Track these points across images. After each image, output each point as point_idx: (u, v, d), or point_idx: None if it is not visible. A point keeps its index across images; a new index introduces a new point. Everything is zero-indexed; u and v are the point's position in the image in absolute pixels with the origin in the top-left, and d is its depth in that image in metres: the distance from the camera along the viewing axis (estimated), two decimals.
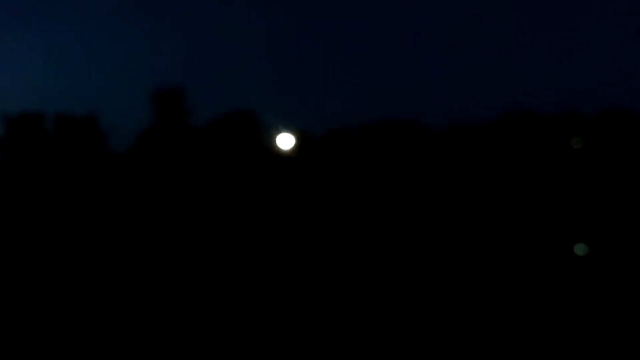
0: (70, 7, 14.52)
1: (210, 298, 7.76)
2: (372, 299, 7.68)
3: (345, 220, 10.44)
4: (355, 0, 13.45)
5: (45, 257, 9.42)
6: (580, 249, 9.50)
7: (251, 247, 9.72)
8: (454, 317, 7.10)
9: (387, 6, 13.35)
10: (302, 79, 13.00)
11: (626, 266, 8.84)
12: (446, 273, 8.79)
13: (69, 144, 12.28)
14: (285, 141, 11.18)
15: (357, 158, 11.46)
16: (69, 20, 14.08)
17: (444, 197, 11.02)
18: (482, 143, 11.66)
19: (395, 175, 11.26)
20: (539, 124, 11.79)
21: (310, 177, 11.22)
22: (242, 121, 11.89)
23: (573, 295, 7.83)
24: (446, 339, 6.51)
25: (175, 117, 12.26)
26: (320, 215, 10.57)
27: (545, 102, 11.90)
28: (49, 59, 14.16)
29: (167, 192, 11.42)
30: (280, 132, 11.22)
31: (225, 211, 10.83)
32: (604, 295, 7.76)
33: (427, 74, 12.97)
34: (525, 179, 11.21)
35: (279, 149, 11.24)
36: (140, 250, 9.75)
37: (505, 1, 13.37)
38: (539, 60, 13.01)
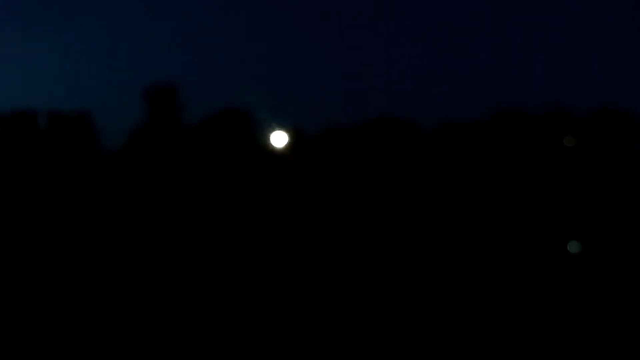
0: (63, 5, 14.46)
1: (205, 297, 7.75)
2: (365, 297, 7.69)
3: (338, 218, 10.45)
4: None
5: (39, 255, 9.40)
6: (573, 247, 9.54)
7: (245, 245, 9.72)
8: (448, 315, 7.11)
9: (380, 5, 13.35)
10: (296, 77, 12.98)
11: (619, 264, 8.88)
12: (440, 271, 8.81)
13: (62, 142, 12.24)
14: (279, 139, 11.18)
15: (351, 156, 11.47)
16: (61, 18, 14.03)
17: (436, 195, 11.04)
18: (473, 142, 11.68)
19: (388, 174, 11.28)
20: (531, 123, 11.81)
21: (303, 175, 11.22)
22: (235, 119, 11.88)
23: (566, 292, 7.86)
24: (441, 337, 6.52)
25: (168, 114, 12.24)
26: (313, 213, 10.59)
27: (536, 100, 11.89)
28: (41, 57, 14.09)
29: (161, 190, 11.40)
30: (273, 130, 11.22)
31: (218, 209, 10.83)
32: (597, 293, 7.79)
33: (419, 73, 12.97)
34: (517, 178, 11.24)
35: (272, 147, 11.23)
36: (134, 248, 9.74)
37: (495, 0, 13.38)
38: (530, 59, 13.02)
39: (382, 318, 6.96)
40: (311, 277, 8.44)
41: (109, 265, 8.99)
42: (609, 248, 9.41)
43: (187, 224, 10.48)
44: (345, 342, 6.30)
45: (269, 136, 11.21)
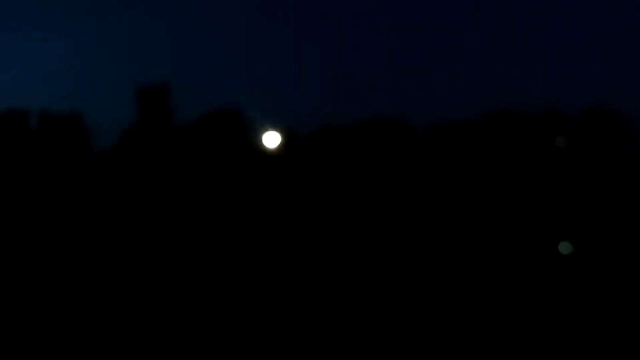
0: (53, 4, 14.43)
1: (199, 295, 7.74)
2: (359, 296, 7.69)
3: (331, 219, 10.45)
4: None
5: (28, 256, 9.36)
6: (564, 248, 9.56)
7: (238, 246, 9.70)
8: (440, 316, 7.12)
9: (372, 5, 13.37)
10: (288, 78, 12.99)
11: (610, 264, 8.90)
12: (433, 269, 8.81)
13: (53, 142, 12.21)
14: (271, 139, 11.17)
15: (344, 156, 11.47)
16: (52, 17, 14.00)
17: (429, 195, 11.05)
18: (465, 142, 11.70)
19: (380, 174, 11.28)
20: (522, 124, 11.85)
21: (296, 175, 11.22)
22: (227, 119, 11.87)
23: (558, 293, 7.88)
24: (434, 337, 6.53)
25: (159, 115, 12.22)
26: (306, 213, 10.58)
27: (528, 101, 11.94)
28: (31, 56, 14.06)
29: (152, 190, 11.38)
30: (266, 130, 11.21)
31: (210, 210, 10.81)
32: (588, 294, 7.81)
33: (412, 74, 13.00)
34: (509, 178, 11.26)
35: (264, 147, 11.23)
36: (125, 248, 9.71)
37: (487, 2, 13.43)
38: (523, 61, 13.07)
39: (372, 315, 6.97)
40: (304, 276, 8.43)
41: (101, 264, 8.96)
42: (601, 248, 9.43)
43: (179, 223, 10.46)
44: (338, 340, 6.32)
45: (262, 136, 11.21)
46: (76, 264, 9.07)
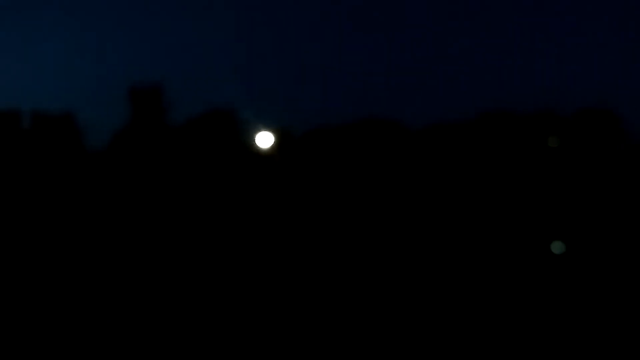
0: (46, 3, 14.38)
1: (191, 297, 7.72)
2: (352, 297, 7.68)
3: (326, 219, 10.44)
4: None
5: (21, 256, 9.34)
6: (557, 247, 9.57)
7: (232, 246, 9.69)
8: (432, 315, 7.11)
9: (366, 4, 13.36)
10: (282, 77, 12.97)
11: (603, 264, 8.92)
12: (426, 270, 8.81)
13: (46, 142, 12.18)
14: (265, 139, 11.15)
15: (338, 156, 11.47)
16: (44, 17, 13.95)
17: (423, 195, 11.05)
18: (459, 142, 11.71)
19: (374, 174, 11.28)
20: (516, 123, 11.86)
21: (290, 175, 11.21)
22: (220, 119, 11.85)
23: (550, 293, 7.88)
24: (426, 337, 6.52)
25: (152, 115, 12.19)
26: (300, 213, 10.57)
27: (522, 101, 11.94)
28: (24, 55, 14.01)
29: (145, 190, 11.36)
30: (259, 130, 11.19)
31: (204, 210, 10.79)
32: (581, 293, 7.82)
33: (406, 73, 12.99)
34: (502, 178, 11.27)
35: (258, 147, 11.21)
36: (119, 248, 9.69)
37: (481, 2, 13.43)
38: (516, 60, 13.08)
39: (364, 317, 6.97)
40: (299, 276, 8.43)
41: (96, 264, 8.94)
42: (594, 248, 9.45)
43: (173, 223, 10.44)
44: (333, 342, 6.31)
45: (255, 136, 11.19)
46: (70, 264, 9.05)
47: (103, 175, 11.76)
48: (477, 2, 13.41)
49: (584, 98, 11.87)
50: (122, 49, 13.62)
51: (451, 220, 10.47)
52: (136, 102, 12.21)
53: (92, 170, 11.85)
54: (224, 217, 10.58)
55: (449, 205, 10.83)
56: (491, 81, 12.97)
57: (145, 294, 7.89)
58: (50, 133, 12.22)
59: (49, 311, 7.25)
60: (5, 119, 12.22)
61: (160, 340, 6.41)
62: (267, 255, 9.29)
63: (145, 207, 10.97)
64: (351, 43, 13.47)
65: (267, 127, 11.20)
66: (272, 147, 11.17)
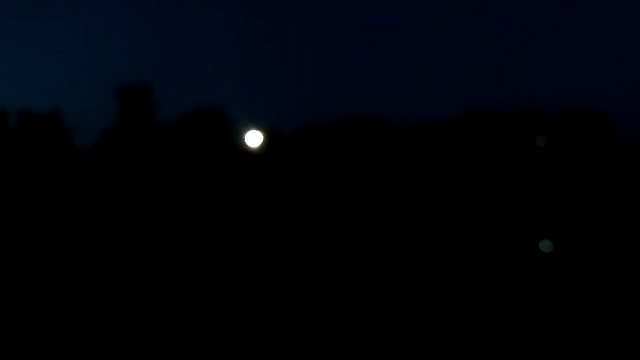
0: (33, 4, 14.32)
1: (178, 296, 7.71)
2: (340, 296, 7.69)
3: (315, 218, 10.45)
4: None
5: (8, 257, 9.30)
6: (545, 246, 9.61)
7: (220, 245, 9.68)
8: (422, 314, 7.14)
9: (354, 6, 13.39)
10: (271, 77, 12.98)
11: (591, 263, 8.97)
12: (414, 270, 8.84)
13: (33, 141, 12.12)
14: (254, 138, 11.15)
15: (326, 156, 11.48)
16: (31, 15, 13.89)
17: (410, 194, 11.08)
18: (447, 142, 11.74)
19: (362, 173, 11.30)
20: (503, 123, 11.90)
21: (279, 174, 11.21)
22: (209, 118, 11.83)
23: (539, 291, 7.92)
24: (417, 335, 6.54)
25: (140, 114, 12.16)
26: (289, 212, 10.57)
27: (509, 100, 11.99)
28: (11, 54, 13.94)
29: (133, 190, 11.33)
30: (248, 129, 11.18)
31: (193, 209, 10.77)
32: (569, 292, 7.86)
33: (394, 73, 13.03)
34: (490, 178, 11.31)
35: (247, 146, 11.20)
36: (107, 248, 9.66)
37: (468, 3, 13.49)
38: (503, 60, 13.13)
39: (350, 313, 6.98)
40: (287, 275, 8.43)
41: (84, 264, 8.92)
42: (582, 247, 9.50)
43: (162, 223, 10.42)
44: (320, 340, 6.32)
45: (244, 135, 11.18)
46: (58, 264, 9.02)
47: (91, 175, 11.72)
48: (464, 2, 13.47)
49: (571, 98, 11.94)
50: (109, 48, 13.58)
51: (440, 219, 10.50)
52: (124, 101, 12.18)
53: (81, 169, 11.81)
54: (213, 216, 10.57)
55: (437, 204, 10.86)
56: (478, 81, 13.03)
57: (135, 292, 7.88)
58: (37, 133, 12.17)
59: (36, 310, 7.23)
60: None
61: (149, 339, 6.40)
62: (258, 254, 9.29)
63: (134, 207, 10.94)
64: (340, 43, 13.49)
65: (256, 126, 11.19)
66: (261, 146, 11.17)
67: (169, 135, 11.87)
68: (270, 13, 13.51)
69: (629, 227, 9.95)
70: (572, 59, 12.96)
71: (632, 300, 7.52)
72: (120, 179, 11.56)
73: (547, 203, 10.70)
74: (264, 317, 6.97)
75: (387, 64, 13.35)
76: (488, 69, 13.21)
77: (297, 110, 12.29)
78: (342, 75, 13.07)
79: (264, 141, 11.18)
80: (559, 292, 7.91)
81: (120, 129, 12.17)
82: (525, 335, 6.56)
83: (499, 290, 8.03)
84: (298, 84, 12.91)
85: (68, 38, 14.05)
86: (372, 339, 6.42)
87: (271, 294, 7.75)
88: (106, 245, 9.77)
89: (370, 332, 6.58)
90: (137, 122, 12.12)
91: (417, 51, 13.44)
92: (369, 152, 11.58)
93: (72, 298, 7.67)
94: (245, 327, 6.68)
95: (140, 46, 13.80)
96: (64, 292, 7.89)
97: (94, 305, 7.36)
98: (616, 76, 12.34)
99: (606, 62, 12.67)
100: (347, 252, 9.43)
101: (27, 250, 9.64)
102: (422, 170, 11.44)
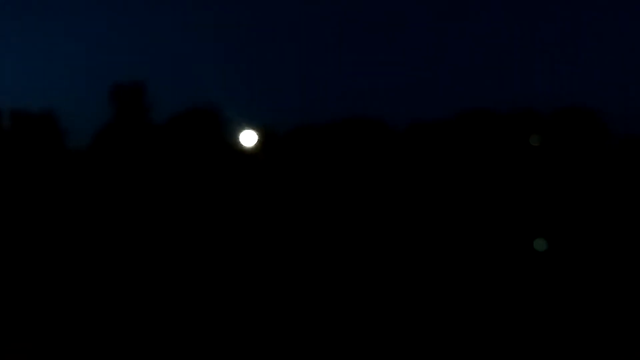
0: (27, 4, 14.31)
1: (169, 296, 7.71)
2: (333, 294, 7.70)
3: (309, 217, 10.45)
4: None
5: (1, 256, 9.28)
6: (539, 245, 9.63)
7: (215, 244, 9.67)
8: (417, 313, 7.14)
9: (350, 6, 13.41)
10: (265, 76, 12.98)
11: (584, 262, 8.99)
12: (408, 266, 8.85)
13: (26, 141, 12.09)
14: (248, 138, 11.14)
15: (321, 155, 11.48)
16: (25, 15, 13.88)
17: (406, 192, 11.08)
18: (442, 141, 11.76)
19: (358, 172, 11.30)
20: (498, 122, 11.92)
21: (274, 174, 11.20)
22: (203, 118, 11.82)
23: (533, 289, 7.94)
24: (411, 333, 6.55)
25: (134, 113, 12.15)
26: (284, 211, 10.57)
27: (504, 100, 12.02)
28: (4, 55, 13.92)
29: (127, 189, 11.31)
30: (243, 129, 11.18)
31: (186, 209, 10.76)
32: (562, 290, 7.88)
33: (389, 73, 13.05)
34: (485, 176, 11.33)
35: (241, 146, 11.20)
36: (101, 246, 9.65)
37: (464, 2, 13.51)
38: (498, 60, 13.17)
39: (344, 310, 6.99)
40: (281, 273, 8.43)
41: (77, 263, 8.90)
42: (576, 245, 9.52)
43: (155, 222, 10.41)
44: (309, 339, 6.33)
45: (239, 135, 11.18)
46: (52, 263, 9.01)
47: (85, 173, 11.70)
48: (460, 4, 13.50)
49: (565, 97, 11.97)
50: (104, 48, 13.57)
51: (434, 217, 10.51)
52: (118, 101, 12.17)
53: (74, 169, 11.79)
54: (208, 215, 10.56)
55: (432, 202, 10.87)
56: (473, 81, 13.05)
57: (130, 291, 7.86)
58: (31, 132, 12.14)
59: (33, 310, 7.22)
60: None
61: (141, 338, 6.39)
62: (252, 252, 9.28)
63: (128, 206, 10.92)
64: (335, 43, 13.51)
65: (251, 126, 11.19)
66: (256, 145, 11.16)
67: (163, 135, 11.86)
68: (265, 13, 13.52)
69: (623, 224, 9.97)
70: (566, 58, 13.00)
71: (626, 297, 7.54)
72: (115, 178, 11.55)
73: (542, 202, 10.72)
74: (256, 315, 6.97)
75: (382, 65, 13.37)
76: (482, 69, 13.24)
77: (292, 110, 12.30)
78: (337, 75, 13.09)
79: (258, 141, 11.18)
80: (553, 290, 7.93)
81: (114, 128, 12.15)
82: (518, 332, 6.57)
83: (493, 287, 8.04)
84: (293, 84, 12.92)
85: (62, 38, 14.03)
86: (363, 335, 6.42)
87: (265, 292, 7.75)
88: (101, 244, 9.76)
89: (362, 328, 6.58)
90: (131, 121, 12.11)
91: (412, 52, 13.46)
92: (364, 152, 11.58)
93: (66, 297, 7.66)
94: (236, 325, 6.68)
95: (134, 46, 13.79)
96: (59, 291, 7.88)
97: (87, 304, 7.34)
98: (609, 75, 12.38)
99: (599, 61, 12.71)
100: (342, 250, 9.43)
101: (21, 249, 9.62)
102: (418, 169, 11.45)
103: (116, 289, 8.00)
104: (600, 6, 12.69)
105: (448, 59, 13.10)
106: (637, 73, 12.09)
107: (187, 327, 6.69)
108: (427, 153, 11.58)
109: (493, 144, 11.67)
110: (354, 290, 7.89)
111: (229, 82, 11.90)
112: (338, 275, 8.47)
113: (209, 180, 11.26)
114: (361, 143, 11.61)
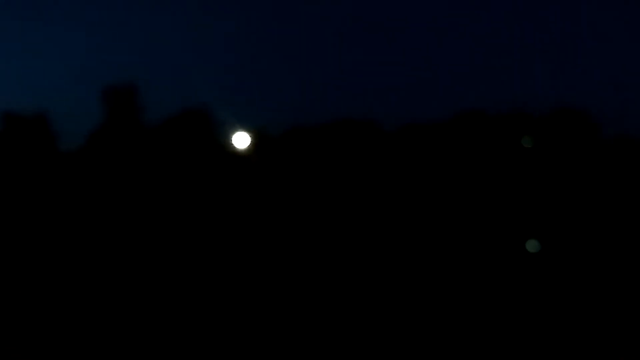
0: (20, 5, 14.26)
1: (163, 300, 7.70)
2: (328, 297, 7.70)
3: (302, 219, 10.45)
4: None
5: None
6: (531, 246, 9.65)
7: (208, 248, 9.67)
8: (412, 314, 7.14)
9: (342, 5, 13.40)
10: (258, 77, 12.96)
11: (578, 263, 9.01)
12: (402, 271, 8.85)
13: (18, 143, 12.05)
14: (241, 140, 11.13)
15: (314, 157, 11.48)
16: (17, 17, 13.82)
17: (398, 195, 11.10)
18: (435, 142, 11.77)
19: (351, 175, 11.31)
20: (490, 124, 11.93)
21: (266, 176, 11.20)
22: (196, 119, 11.80)
23: (526, 291, 7.95)
24: (406, 334, 6.55)
25: (127, 115, 12.11)
26: (277, 214, 10.57)
27: (496, 100, 12.03)
28: None
29: (119, 192, 11.29)
30: (235, 130, 11.17)
31: (180, 211, 10.75)
32: (555, 292, 7.90)
33: (382, 74, 13.05)
34: (477, 178, 11.34)
35: (234, 148, 11.18)
36: (93, 250, 9.63)
37: (457, 3, 13.52)
38: (491, 61, 13.18)
39: (337, 312, 6.98)
40: (274, 277, 8.43)
41: (69, 266, 8.89)
42: (568, 246, 9.54)
43: (148, 225, 10.39)
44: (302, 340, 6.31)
45: (231, 137, 11.16)
46: (44, 264, 8.99)
47: (77, 176, 11.67)
48: (452, 4, 13.51)
49: (557, 98, 11.98)
50: (96, 49, 13.53)
51: (428, 219, 10.52)
52: (110, 103, 12.13)
53: (66, 171, 11.76)
54: (201, 218, 10.55)
55: (425, 204, 10.88)
56: (466, 82, 13.06)
57: (120, 292, 7.85)
58: (23, 134, 12.10)
59: (24, 309, 7.20)
60: None
61: (136, 339, 6.38)
62: (246, 254, 9.28)
63: (121, 209, 10.90)
64: (329, 45, 13.50)
65: (244, 127, 11.18)
66: (249, 147, 11.15)
67: (155, 137, 11.83)
68: (258, 14, 13.50)
69: (616, 225, 10.00)
70: (559, 59, 13.01)
71: (619, 297, 7.55)
72: (107, 181, 11.52)
73: (534, 203, 10.74)
74: (252, 317, 6.96)
75: (375, 66, 13.37)
76: (476, 70, 13.24)
77: (285, 112, 12.28)
78: (330, 76, 13.08)
79: (251, 143, 11.16)
80: (545, 291, 7.94)
81: (106, 130, 12.12)
82: (512, 333, 6.58)
83: (486, 288, 8.05)
84: (286, 86, 12.90)
85: (54, 39, 13.98)
86: (359, 336, 6.42)
87: (260, 294, 7.74)
88: (94, 246, 9.74)
89: (357, 329, 6.57)
90: (123, 123, 12.08)
91: (405, 52, 13.46)
92: (357, 154, 11.58)
93: (62, 299, 7.64)
94: (230, 328, 6.67)
95: (126, 47, 13.75)
96: (55, 293, 7.86)
97: (82, 306, 7.33)
98: (602, 76, 12.40)
99: (592, 62, 12.73)
100: (336, 253, 9.44)
101: (14, 251, 9.60)
102: (411, 171, 11.46)
103: (110, 291, 7.99)
104: (593, 8, 12.72)
105: (441, 61, 13.10)
106: (629, 74, 12.12)
107: (183, 329, 6.68)
108: (420, 154, 11.59)
109: (487, 146, 11.69)
110: (350, 291, 7.89)
111: (221, 84, 11.87)
112: (333, 277, 8.47)
113: (202, 182, 11.24)
114: (354, 145, 11.61)
